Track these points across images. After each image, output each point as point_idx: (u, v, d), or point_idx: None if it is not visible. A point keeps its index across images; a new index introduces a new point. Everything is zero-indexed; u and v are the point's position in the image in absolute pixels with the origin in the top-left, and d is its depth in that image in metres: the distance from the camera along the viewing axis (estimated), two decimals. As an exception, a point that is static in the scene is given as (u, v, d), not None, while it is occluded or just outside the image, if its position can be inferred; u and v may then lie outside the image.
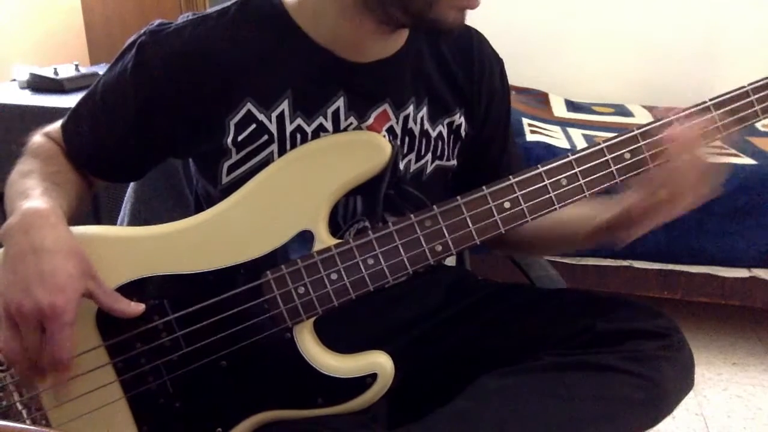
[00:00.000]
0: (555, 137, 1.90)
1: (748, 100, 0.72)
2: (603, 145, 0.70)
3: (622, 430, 0.69)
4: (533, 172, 0.69)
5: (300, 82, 0.73)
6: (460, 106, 0.82)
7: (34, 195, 0.67)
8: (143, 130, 0.75)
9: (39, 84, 1.83)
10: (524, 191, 0.69)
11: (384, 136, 0.75)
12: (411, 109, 0.77)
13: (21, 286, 0.60)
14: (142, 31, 0.75)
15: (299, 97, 0.73)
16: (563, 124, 2.11)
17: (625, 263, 1.73)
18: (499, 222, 0.69)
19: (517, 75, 2.47)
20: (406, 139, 0.78)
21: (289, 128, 0.73)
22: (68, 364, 0.63)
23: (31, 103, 1.72)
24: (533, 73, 2.57)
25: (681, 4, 2.51)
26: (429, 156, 0.80)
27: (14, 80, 1.93)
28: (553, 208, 0.69)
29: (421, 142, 0.79)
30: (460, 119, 0.82)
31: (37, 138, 0.80)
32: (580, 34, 2.62)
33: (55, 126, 0.81)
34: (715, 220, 1.66)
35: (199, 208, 0.84)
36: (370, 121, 0.75)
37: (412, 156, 0.79)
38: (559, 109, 2.34)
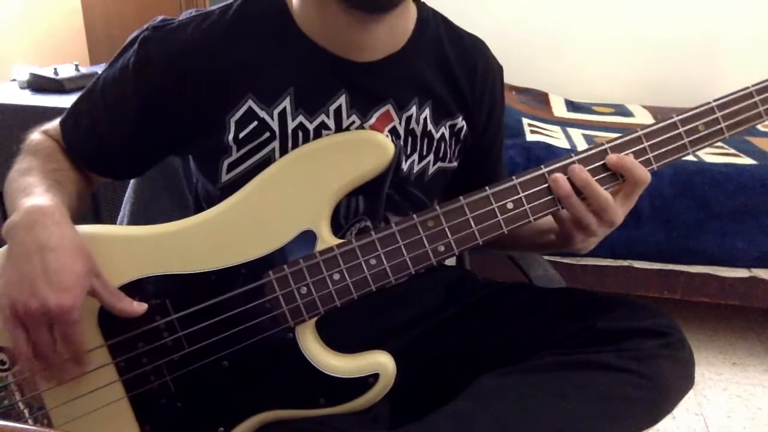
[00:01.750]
0: (555, 137, 1.90)
1: (752, 101, 0.72)
2: (606, 145, 0.70)
3: (622, 429, 0.69)
4: (536, 173, 0.69)
5: (301, 79, 0.73)
6: (461, 111, 0.82)
7: (37, 192, 0.67)
8: (144, 127, 0.75)
9: (39, 84, 1.83)
10: (527, 192, 0.69)
11: (387, 136, 0.75)
12: (414, 109, 0.77)
13: (27, 286, 0.59)
14: (145, 27, 0.75)
15: (301, 94, 0.73)
16: (563, 124, 2.11)
17: (625, 263, 1.73)
18: (502, 223, 0.69)
19: (517, 75, 2.48)
20: (409, 140, 0.78)
21: (291, 125, 0.73)
22: (86, 359, 0.64)
23: (31, 103, 1.72)
24: (533, 73, 2.57)
25: (681, 4, 2.51)
26: (431, 157, 0.80)
27: (14, 80, 1.93)
28: (555, 208, 0.70)
29: (423, 143, 0.79)
30: (461, 122, 0.82)
31: (35, 136, 0.80)
32: (580, 34, 2.62)
33: (54, 123, 0.81)
34: (715, 220, 1.66)
35: (198, 208, 0.84)
36: (373, 120, 0.75)
37: (415, 157, 0.79)
38: (559, 109, 2.34)
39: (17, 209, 0.65)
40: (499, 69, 0.87)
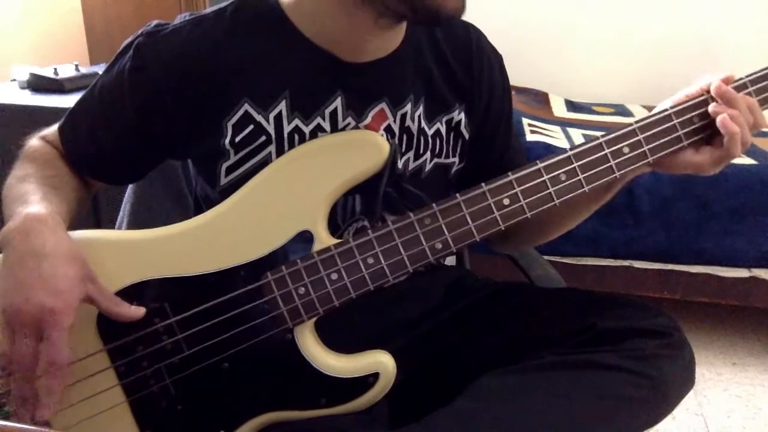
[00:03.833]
0: (555, 137, 1.90)
1: (746, 91, 0.72)
2: (602, 140, 0.70)
3: (622, 429, 0.68)
4: (532, 168, 0.69)
5: (297, 82, 0.73)
6: (460, 102, 0.82)
7: (33, 200, 0.67)
8: (141, 132, 0.75)
9: (39, 84, 1.83)
10: (523, 187, 0.69)
11: (382, 135, 0.75)
12: (408, 107, 0.77)
13: (21, 291, 0.59)
14: (139, 33, 0.75)
15: (297, 97, 0.73)
16: (563, 124, 2.11)
17: (625, 263, 1.73)
18: (499, 219, 0.69)
19: (517, 75, 2.47)
20: (404, 138, 0.78)
21: (287, 129, 0.73)
22: (65, 368, 0.62)
23: (31, 103, 1.72)
24: (533, 73, 2.57)
25: (681, 4, 2.51)
26: (428, 154, 0.80)
27: (14, 80, 1.93)
28: (552, 203, 0.70)
29: (419, 140, 0.79)
30: (459, 116, 0.82)
31: (34, 142, 0.80)
32: (580, 34, 2.62)
33: (52, 129, 0.81)
34: (715, 220, 1.66)
35: (198, 210, 0.84)
36: (368, 120, 0.75)
37: (411, 154, 0.79)
38: (559, 109, 2.34)
39: (13, 217, 0.65)
40: (497, 54, 0.86)
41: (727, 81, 0.72)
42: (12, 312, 0.59)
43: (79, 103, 0.79)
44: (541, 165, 0.69)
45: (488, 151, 0.87)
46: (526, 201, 0.69)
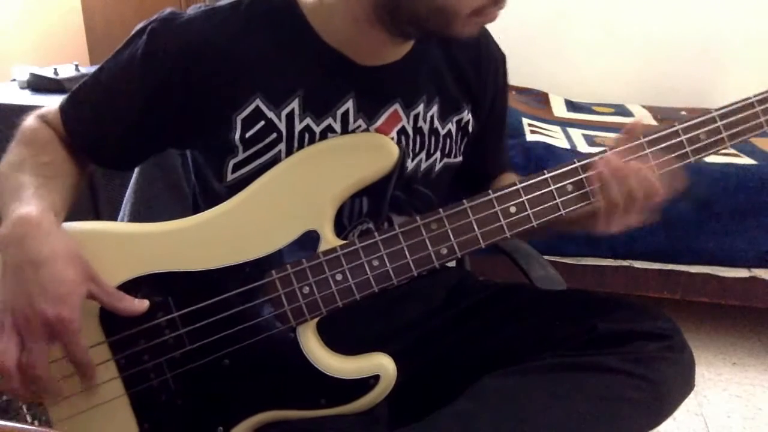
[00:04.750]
0: (555, 137, 1.90)
1: (753, 111, 0.72)
2: (610, 152, 0.71)
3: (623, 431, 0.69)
4: (539, 178, 0.70)
5: (311, 82, 0.73)
6: (468, 102, 0.82)
7: (26, 196, 0.66)
8: (148, 119, 0.74)
9: (39, 84, 1.83)
10: (530, 196, 0.69)
11: (394, 137, 0.75)
12: (421, 107, 0.77)
13: (24, 299, 0.59)
14: (153, 18, 0.74)
15: (310, 97, 0.73)
16: (563, 124, 2.11)
17: (625, 263, 1.73)
18: (505, 227, 0.69)
19: (517, 75, 2.46)
20: (417, 138, 0.78)
21: (298, 127, 0.73)
22: (92, 365, 0.63)
23: (31, 103, 1.71)
24: (533, 73, 2.57)
25: (681, 4, 2.51)
26: (438, 154, 0.80)
27: (14, 80, 1.93)
28: (558, 213, 0.70)
29: (431, 141, 0.79)
30: (467, 116, 0.82)
31: (32, 122, 0.78)
32: (581, 34, 2.62)
33: (52, 109, 0.78)
34: (715, 220, 1.66)
35: (196, 207, 0.84)
36: (381, 121, 0.75)
37: (423, 155, 0.79)
38: (559, 109, 2.34)
39: (7, 217, 0.64)
40: (502, 56, 0.87)
41: (632, 127, 0.72)
42: (21, 321, 0.59)
43: (84, 85, 0.77)
44: (548, 175, 0.70)
45: (479, 147, 0.88)
46: (533, 210, 0.69)
